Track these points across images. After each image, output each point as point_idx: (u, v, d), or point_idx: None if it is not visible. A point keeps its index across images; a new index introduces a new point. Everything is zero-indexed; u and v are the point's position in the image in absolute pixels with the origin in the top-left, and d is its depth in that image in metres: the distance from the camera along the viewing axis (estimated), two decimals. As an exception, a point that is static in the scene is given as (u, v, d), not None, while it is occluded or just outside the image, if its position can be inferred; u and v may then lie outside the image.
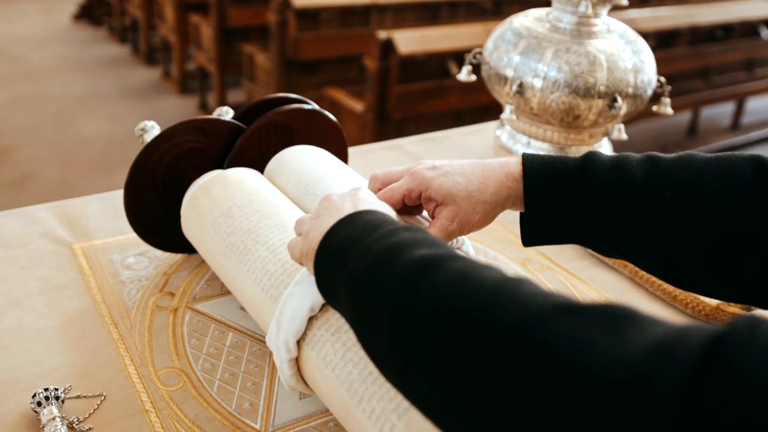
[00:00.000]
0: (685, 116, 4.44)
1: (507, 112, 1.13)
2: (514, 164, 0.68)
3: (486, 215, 0.69)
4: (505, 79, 1.15)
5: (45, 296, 0.87)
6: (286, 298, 0.63)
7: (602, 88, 1.09)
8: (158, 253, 0.95)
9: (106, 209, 1.03)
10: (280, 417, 0.73)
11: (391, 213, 0.63)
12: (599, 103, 1.10)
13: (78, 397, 0.73)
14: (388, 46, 2.83)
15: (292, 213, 0.76)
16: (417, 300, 0.46)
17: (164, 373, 0.77)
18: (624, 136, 1.12)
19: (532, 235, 0.69)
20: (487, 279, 0.45)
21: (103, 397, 0.73)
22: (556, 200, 0.66)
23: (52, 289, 0.88)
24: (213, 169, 0.91)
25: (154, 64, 5.12)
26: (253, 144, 0.92)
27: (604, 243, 0.68)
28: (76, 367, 0.77)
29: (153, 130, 1.01)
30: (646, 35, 3.46)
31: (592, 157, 0.67)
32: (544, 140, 1.19)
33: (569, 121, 1.12)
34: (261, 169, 0.92)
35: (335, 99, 3.20)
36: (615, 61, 1.10)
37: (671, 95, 1.18)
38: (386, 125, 3.03)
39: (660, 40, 3.61)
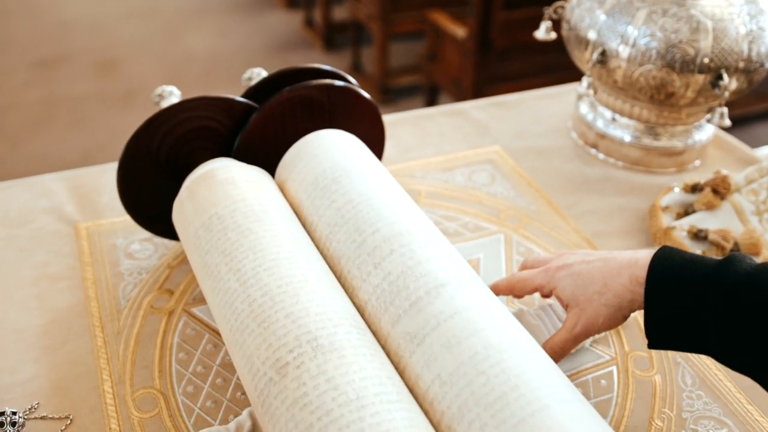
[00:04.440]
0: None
1: (584, 86, 0.95)
2: (641, 266, 0.62)
3: (610, 318, 0.64)
4: (587, 42, 0.96)
5: (37, 287, 0.80)
6: None
7: (705, 61, 0.89)
8: (165, 239, 0.86)
9: (121, 183, 0.95)
10: (258, 464, 0.63)
11: None
12: (699, 80, 0.90)
13: (43, 418, 0.66)
14: (494, -32, 2.59)
15: (273, 233, 0.64)
16: None
17: (141, 394, 0.69)
18: (727, 122, 0.92)
19: (653, 340, 0.62)
20: None
21: (69, 421, 0.66)
22: (677, 311, 0.59)
23: (46, 279, 0.81)
24: (224, 155, 0.80)
25: (263, -24, 5.02)
26: (267, 127, 0.79)
27: (732, 360, 0.58)
28: (50, 380, 0.70)
29: (171, 97, 0.90)
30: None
31: (732, 261, 0.58)
32: (631, 116, 1.00)
33: (661, 98, 0.93)
34: (281, 155, 0.80)
35: (437, 23, 2.99)
36: (724, 28, 0.89)
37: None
38: (488, 54, 2.81)
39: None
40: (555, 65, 2.94)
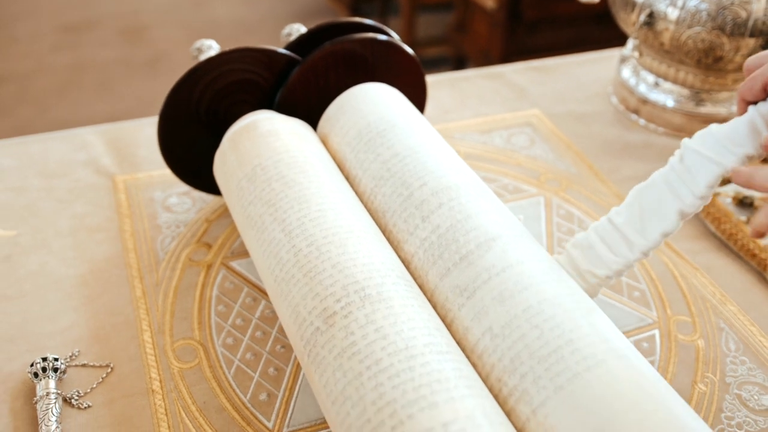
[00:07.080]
0: None
1: (629, 48, 0.92)
2: None
3: None
4: (633, 4, 0.93)
5: (75, 237, 0.80)
6: None
7: (757, 24, 0.86)
8: (204, 194, 0.85)
9: (158, 137, 0.94)
10: (299, 415, 0.63)
11: None
12: (750, 44, 0.88)
13: (84, 365, 0.66)
14: (527, -63, 2.55)
15: (318, 184, 0.63)
16: None
17: (181, 345, 0.68)
18: (777, 88, 0.89)
19: None
20: None
21: (110, 369, 0.66)
22: None
23: (83, 229, 0.81)
24: (265, 108, 0.79)
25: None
26: (309, 80, 0.78)
27: None
28: (90, 328, 0.70)
29: (210, 51, 0.89)
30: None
31: None
32: (675, 81, 0.98)
33: (708, 62, 0.91)
34: (323, 110, 0.79)
35: (467, -7, 2.96)
36: (779, -10, 0.86)
37: None
38: (518, 26, 2.77)
39: None
40: (584, 39, 2.90)
